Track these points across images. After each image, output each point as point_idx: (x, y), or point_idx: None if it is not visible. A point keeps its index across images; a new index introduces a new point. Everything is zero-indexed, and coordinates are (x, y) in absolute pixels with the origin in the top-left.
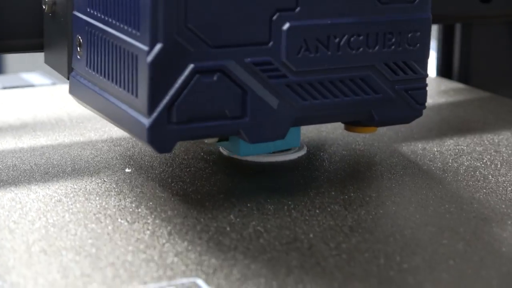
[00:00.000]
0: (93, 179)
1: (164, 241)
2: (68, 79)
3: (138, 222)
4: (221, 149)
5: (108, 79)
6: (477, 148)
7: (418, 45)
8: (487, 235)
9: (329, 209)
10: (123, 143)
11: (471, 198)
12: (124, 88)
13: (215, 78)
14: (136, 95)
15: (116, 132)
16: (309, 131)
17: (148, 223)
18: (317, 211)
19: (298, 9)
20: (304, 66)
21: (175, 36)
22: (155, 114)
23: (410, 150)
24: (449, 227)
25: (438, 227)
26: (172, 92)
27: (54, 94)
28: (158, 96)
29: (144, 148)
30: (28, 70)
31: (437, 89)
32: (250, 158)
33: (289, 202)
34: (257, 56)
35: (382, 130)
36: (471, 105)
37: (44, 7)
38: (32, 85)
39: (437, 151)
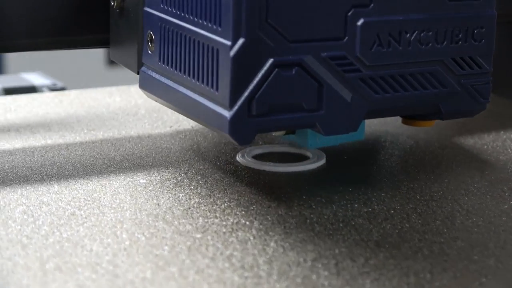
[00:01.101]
0: (107, 190)
1: (184, 257)
2: (138, 73)
3: (156, 236)
4: (238, 158)
5: (184, 73)
6: (501, 157)
7: (483, 40)
8: None
9: (353, 223)
10: (136, 152)
11: (498, 211)
12: (203, 82)
13: (293, 72)
14: (217, 89)
15: (128, 141)
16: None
17: (166, 238)
18: (341, 225)
19: (371, 5)
20: (376, 60)
21: (257, 31)
22: (236, 107)
23: (432, 159)
24: (478, 241)
25: (467, 242)
26: (252, 85)
27: (62, 100)
28: (239, 89)
29: (157, 158)
30: (28, 70)
31: None
32: (267, 168)
33: (311, 215)
34: (333, 51)
35: (402, 138)
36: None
37: (112, 3)
38: (32, 85)
39: (459, 160)
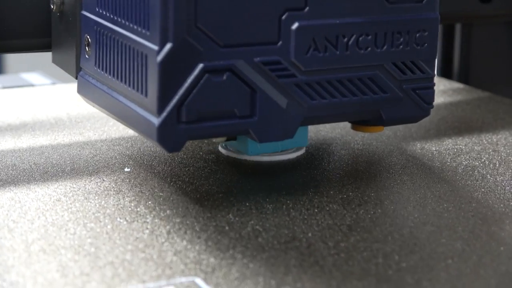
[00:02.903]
0: (92, 178)
1: (163, 240)
2: (76, 78)
3: (137, 221)
4: (220, 148)
5: (117, 78)
6: (475, 147)
7: (426, 44)
8: (485, 234)
9: (327, 208)
10: (122, 143)
11: (469, 197)
12: (134, 88)
13: (224, 77)
14: (146, 94)
15: (115, 131)
16: (308, 131)
17: (147, 222)
18: (316, 210)
19: (307, 8)
20: (313, 65)
21: (185, 35)
22: (164, 114)
23: (408, 150)
24: (447, 226)
25: (436, 226)
26: (181, 91)
27: (53, 93)
28: (167, 95)
29: (143, 148)
30: (28, 70)
31: (436, 89)
32: (248, 158)
33: (288, 201)
34: (266, 56)
35: (381, 132)
36: (470, 105)
37: (52, 6)
38: (32, 85)
39: (435, 150)
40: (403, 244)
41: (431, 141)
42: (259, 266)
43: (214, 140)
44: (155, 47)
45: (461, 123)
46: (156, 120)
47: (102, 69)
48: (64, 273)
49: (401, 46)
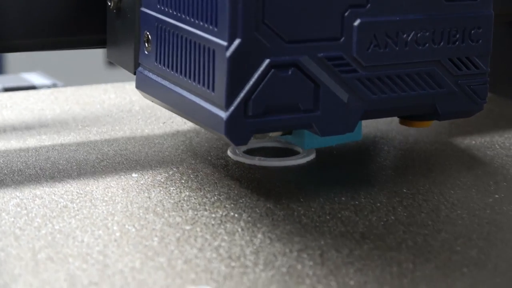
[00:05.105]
0: (99, 184)
1: (172, 248)
2: (134, 74)
3: (146, 228)
4: (229, 153)
5: (181, 73)
6: (488, 152)
7: (481, 41)
8: (500, 242)
9: (339, 215)
10: (129, 148)
11: (483, 204)
12: (199, 83)
13: (290, 72)
14: (213, 89)
15: (122, 136)
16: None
17: (156, 230)
18: (328, 217)
19: (368, 5)
20: (373, 61)
21: (253, 31)
22: (232, 108)
23: (420, 155)
24: (462, 233)
25: (451, 234)
26: (248, 86)
27: (58, 96)
28: (235, 90)
29: (150, 153)
30: (28, 70)
31: None
32: (258, 163)
33: (299, 208)
34: (329, 51)
35: (391, 134)
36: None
37: (109, 3)
38: (32, 85)
39: (447, 155)
40: (417, 252)
41: (443, 146)
42: (271, 275)
43: (270, 134)
44: (224, 43)
45: (471, 127)
46: (223, 114)
47: (164, 65)
48: (72, 282)
49: (457, 43)
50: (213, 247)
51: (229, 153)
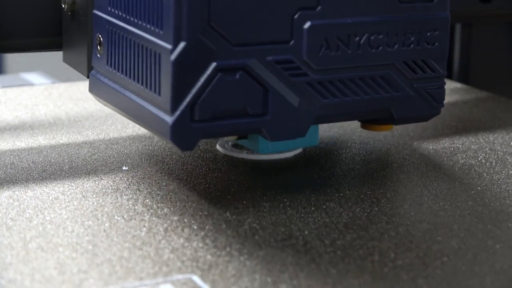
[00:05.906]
0: (90, 177)
1: (160, 238)
2: (87, 77)
3: (135, 219)
4: (217, 147)
5: (130, 77)
6: (472, 146)
7: (437, 43)
8: (481, 232)
9: (324, 207)
10: (120, 142)
11: (466, 196)
12: (147, 86)
13: (237, 76)
14: (159, 93)
15: (113, 131)
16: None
17: (145, 220)
18: (313, 208)
19: (319, 8)
20: (325, 64)
21: (198, 34)
22: (178, 112)
23: (405, 148)
24: (443, 224)
25: (432, 224)
26: (195, 90)
27: (52, 92)
28: (181, 94)
29: (141, 147)
30: (28, 70)
31: None
32: (246, 156)
33: (285, 200)
34: (278, 55)
35: (378, 132)
36: (467, 104)
37: (63, 6)
38: (32, 85)
39: (432, 149)
40: (399, 242)
41: (428, 140)
42: (255, 264)
43: (225, 138)
44: (169, 46)
45: (458, 122)
46: (169, 119)
47: (115, 68)
48: (62, 271)
49: (412, 45)
50: (199, 237)
51: (217, 147)
